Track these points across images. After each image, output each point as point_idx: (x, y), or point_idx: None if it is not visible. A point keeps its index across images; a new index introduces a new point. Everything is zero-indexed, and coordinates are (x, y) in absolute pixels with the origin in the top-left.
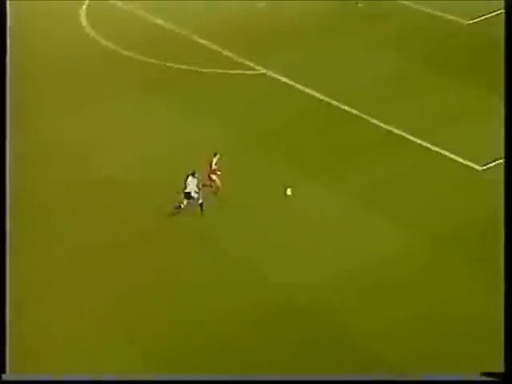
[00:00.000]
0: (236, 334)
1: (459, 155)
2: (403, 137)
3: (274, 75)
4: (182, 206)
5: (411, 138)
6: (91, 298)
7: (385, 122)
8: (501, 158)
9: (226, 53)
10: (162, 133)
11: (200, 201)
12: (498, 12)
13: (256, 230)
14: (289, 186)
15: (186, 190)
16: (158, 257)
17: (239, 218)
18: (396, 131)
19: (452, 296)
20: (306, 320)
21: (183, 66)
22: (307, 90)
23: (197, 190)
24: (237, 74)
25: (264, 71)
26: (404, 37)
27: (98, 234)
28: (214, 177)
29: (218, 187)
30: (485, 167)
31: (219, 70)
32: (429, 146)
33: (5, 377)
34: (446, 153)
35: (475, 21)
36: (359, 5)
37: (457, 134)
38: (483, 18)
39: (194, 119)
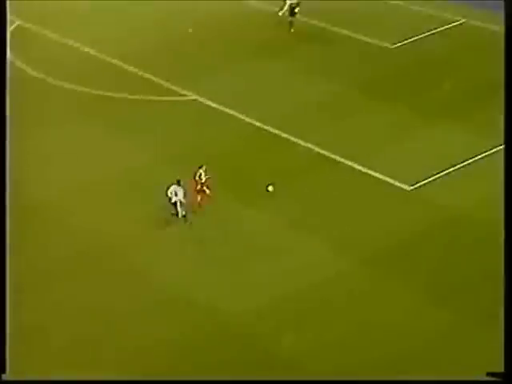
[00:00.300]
0: (169, 362)
1: (389, 176)
2: (334, 159)
3: (205, 101)
4: (180, 215)
5: (342, 160)
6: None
7: (316, 145)
8: (430, 177)
9: (156, 79)
10: (95, 159)
11: (184, 212)
12: (422, 35)
13: (187, 256)
14: (270, 184)
15: (173, 200)
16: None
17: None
18: (327, 154)
19: (387, 316)
20: (241, 345)
21: (113, 94)
22: (238, 115)
23: (183, 201)
24: (167, 100)
25: (194, 97)
26: (333, 61)
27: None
28: (205, 188)
29: (209, 197)
30: (414, 187)
31: (149, 97)
32: (359, 167)
33: (5, 377)
34: (376, 174)
35: (400, 44)
36: (292, 30)
37: (386, 156)
38: (408, 41)
39: (126, 146)
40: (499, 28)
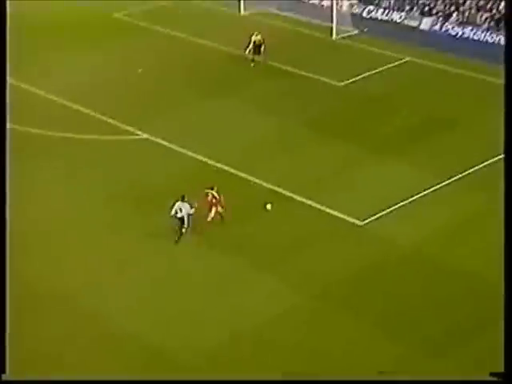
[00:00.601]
0: None
1: (340, 211)
2: (285, 195)
3: (156, 139)
4: (184, 230)
5: (293, 195)
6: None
7: (267, 182)
8: (380, 212)
9: (107, 119)
10: (47, 200)
11: (186, 226)
12: (370, 73)
13: (142, 296)
14: (269, 202)
15: (179, 216)
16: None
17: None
18: (278, 190)
19: (342, 351)
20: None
21: (65, 134)
22: (188, 153)
23: (191, 213)
24: (119, 139)
25: (146, 136)
26: (285, 98)
27: None
28: (219, 208)
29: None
30: (365, 222)
31: (102, 137)
32: (310, 203)
33: (5, 377)
34: (328, 209)
35: (349, 82)
36: (252, 65)
37: (337, 191)
38: (356, 79)
39: (79, 187)
40: (442, 66)
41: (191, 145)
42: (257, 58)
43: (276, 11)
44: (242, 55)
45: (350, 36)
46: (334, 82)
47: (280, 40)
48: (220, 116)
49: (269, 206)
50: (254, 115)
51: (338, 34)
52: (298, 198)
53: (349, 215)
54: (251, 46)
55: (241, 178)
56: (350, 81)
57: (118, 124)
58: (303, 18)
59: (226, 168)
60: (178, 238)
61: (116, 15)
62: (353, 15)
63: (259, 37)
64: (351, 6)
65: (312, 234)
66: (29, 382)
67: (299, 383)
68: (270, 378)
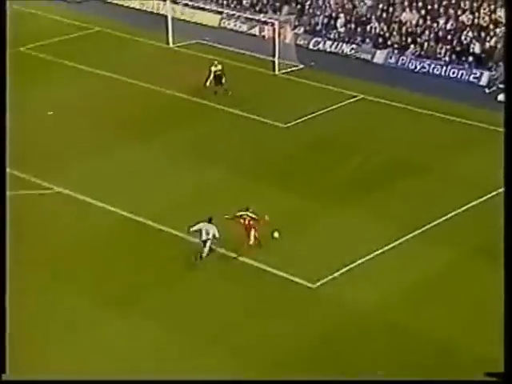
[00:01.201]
0: None
1: (288, 272)
2: (222, 254)
3: (71, 193)
4: (204, 254)
5: (232, 255)
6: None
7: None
8: (334, 273)
9: (19, 174)
10: None
11: (208, 249)
12: (317, 113)
13: None
14: (276, 230)
15: (204, 238)
16: None
17: None
18: (218, 249)
19: None
20: None
21: None
22: (109, 208)
23: (217, 236)
24: (27, 194)
25: (59, 189)
26: (221, 142)
27: None
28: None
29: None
30: (318, 284)
31: (13, 192)
32: (252, 262)
33: (5, 377)
34: (274, 270)
35: (294, 123)
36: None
37: (284, 249)
38: (303, 119)
39: None
40: (399, 104)
41: (111, 198)
42: (219, 89)
43: (210, 43)
44: (172, 95)
45: (294, 71)
46: (277, 124)
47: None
48: (144, 164)
49: (276, 234)
50: (184, 162)
51: (281, 68)
52: (239, 258)
53: (299, 277)
54: (211, 77)
55: (168, 233)
56: (296, 122)
57: (26, 176)
58: (242, 51)
59: (151, 223)
60: (200, 258)
61: (22, 49)
62: (298, 47)
63: (219, 66)
64: (296, 36)
65: (257, 300)
66: (29, 382)
67: (299, 383)
68: None
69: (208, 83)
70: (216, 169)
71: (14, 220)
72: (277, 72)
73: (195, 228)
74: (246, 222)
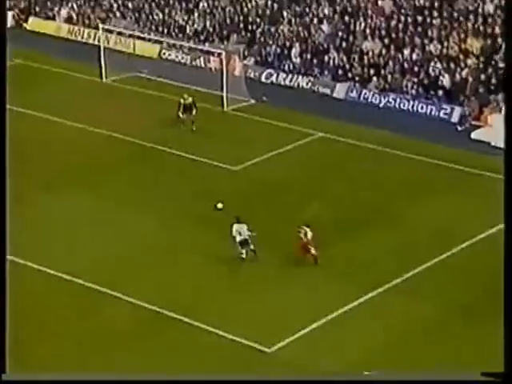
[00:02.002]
0: None
1: (241, 336)
2: (168, 316)
3: None
4: (243, 255)
5: (181, 317)
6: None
7: (148, 303)
8: (291, 336)
9: None
10: None
11: (252, 246)
12: (271, 154)
13: None
14: (220, 202)
15: (239, 239)
16: None
17: None
18: (157, 310)
19: None
20: None
21: None
22: (39, 268)
23: (252, 234)
24: None
25: None
26: (160, 188)
27: None
28: (310, 247)
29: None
30: (274, 348)
31: None
32: (200, 325)
33: (5, 377)
34: (225, 334)
35: (245, 165)
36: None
37: (233, 310)
38: (254, 161)
39: None
40: (361, 142)
41: (40, 257)
42: (186, 118)
43: (149, 76)
44: (106, 135)
45: (245, 106)
46: (226, 166)
47: (153, 114)
48: (81, 215)
49: (220, 205)
50: (125, 212)
51: (230, 104)
52: (186, 320)
53: (253, 340)
54: (181, 109)
55: (109, 296)
56: (247, 164)
57: None
58: (185, 85)
59: (90, 285)
60: (254, 253)
61: None
62: (248, 80)
63: (190, 99)
64: (246, 68)
65: (208, 365)
66: (29, 381)
67: (299, 383)
68: None
69: (180, 114)
70: (159, 219)
71: None
72: (225, 108)
73: (237, 236)
74: (303, 237)
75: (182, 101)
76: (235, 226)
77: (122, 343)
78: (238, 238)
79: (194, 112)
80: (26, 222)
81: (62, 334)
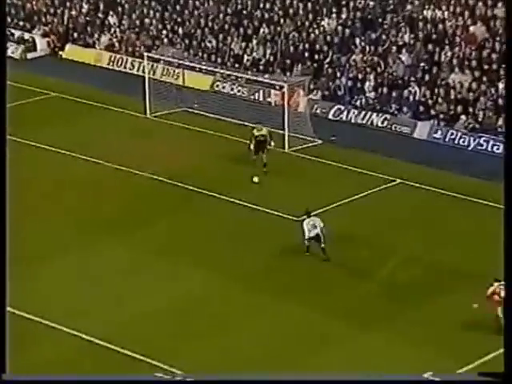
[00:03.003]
0: None
1: None
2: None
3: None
4: (323, 245)
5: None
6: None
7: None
8: None
9: None
10: None
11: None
12: (339, 203)
13: None
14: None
15: (313, 234)
16: None
17: None
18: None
19: None
20: None
21: None
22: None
23: (323, 227)
24: None
25: None
26: (208, 241)
27: None
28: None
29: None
30: None
31: None
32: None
33: (5, 377)
34: None
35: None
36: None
37: None
38: (316, 213)
39: None
40: (447, 191)
41: (70, 318)
42: (257, 158)
43: (199, 111)
44: (148, 178)
45: (310, 147)
46: (287, 216)
47: (205, 157)
48: (110, 267)
49: (256, 179)
50: (158, 266)
51: (292, 144)
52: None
53: None
54: (253, 142)
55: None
56: (312, 214)
57: None
58: (240, 122)
59: (122, 350)
60: (324, 253)
61: None
62: (314, 117)
63: (264, 131)
64: (311, 103)
65: None
66: (29, 381)
67: (296, 383)
68: None
69: (252, 147)
70: (207, 276)
71: None
72: (286, 149)
73: (307, 233)
74: (495, 296)
75: (255, 132)
76: (307, 220)
77: None
78: (313, 232)
79: (266, 149)
80: (56, 275)
81: None
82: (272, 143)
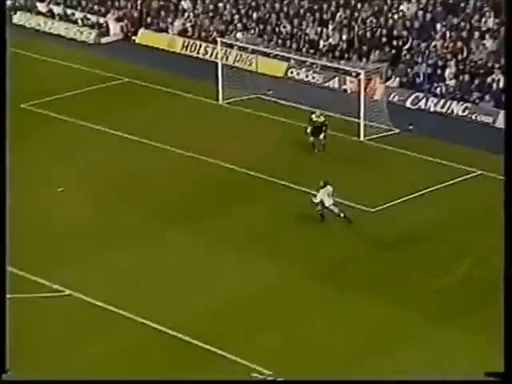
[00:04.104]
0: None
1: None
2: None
3: (84, 297)
4: (341, 214)
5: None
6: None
7: (257, 363)
8: None
9: (17, 271)
10: None
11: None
12: (411, 196)
13: None
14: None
15: (327, 205)
16: None
17: None
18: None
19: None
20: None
21: None
22: (140, 319)
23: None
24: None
25: (68, 291)
26: (276, 232)
27: None
28: None
29: None
30: None
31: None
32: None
33: (5, 377)
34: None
35: (382, 207)
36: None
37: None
38: (393, 203)
39: None
40: None
41: (127, 304)
42: (316, 142)
43: (273, 98)
44: (220, 166)
45: (386, 136)
46: (361, 207)
47: (277, 143)
48: (185, 257)
49: (309, 130)
50: (242, 258)
51: (368, 133)
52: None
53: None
54: (310, 127)
55: (205, 350)
56: (387, 205)
57: (26, 274)
58: (315, 109)
59: (195, 342)
60: (345, 217)
61: (23, 105)
62: (391, 105)
63: (322, 118)
64: (388, 91)
65: None
66: (29, 381)
67: (297, 383)
68: None
69: (308, 131)
70: (283, 270)
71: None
72: (362, 138)
73: (317, 201)
74: None
75: (313, 116)
76: (321, 193)
77: None
78: (327, 204)
79: (321, 136)
80: (125, 266)
81: None
82: (322, 136)
